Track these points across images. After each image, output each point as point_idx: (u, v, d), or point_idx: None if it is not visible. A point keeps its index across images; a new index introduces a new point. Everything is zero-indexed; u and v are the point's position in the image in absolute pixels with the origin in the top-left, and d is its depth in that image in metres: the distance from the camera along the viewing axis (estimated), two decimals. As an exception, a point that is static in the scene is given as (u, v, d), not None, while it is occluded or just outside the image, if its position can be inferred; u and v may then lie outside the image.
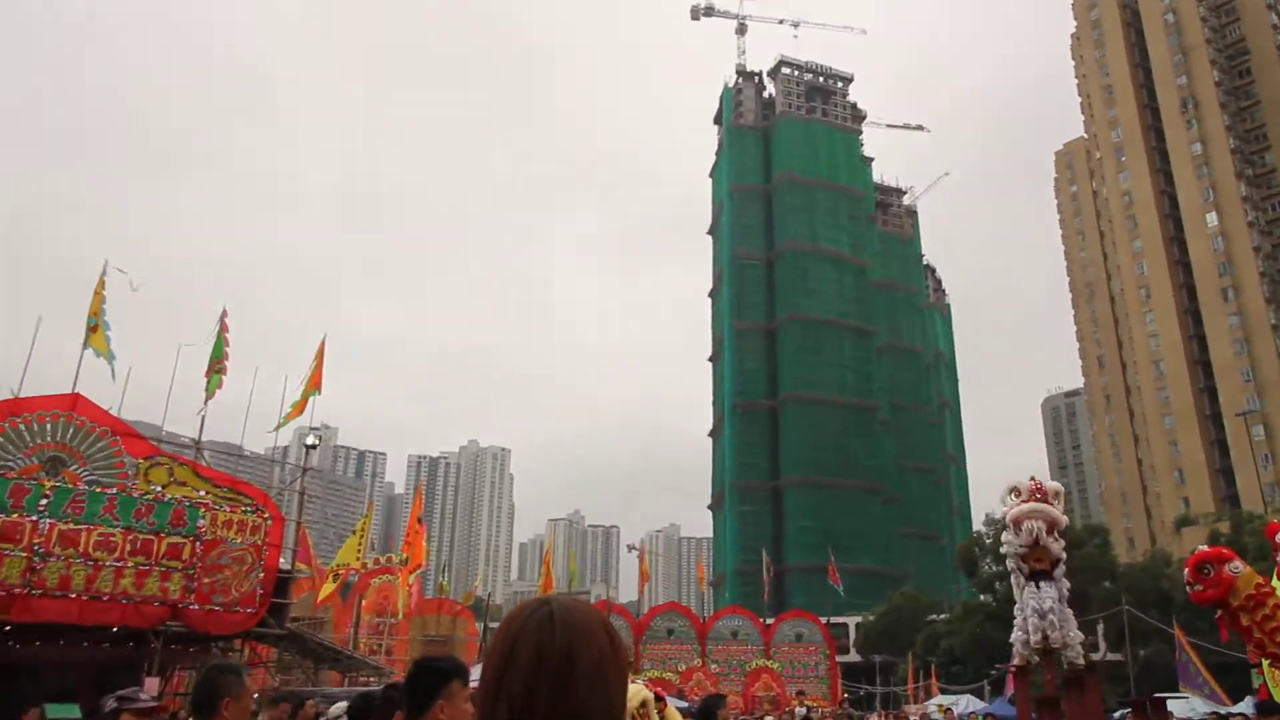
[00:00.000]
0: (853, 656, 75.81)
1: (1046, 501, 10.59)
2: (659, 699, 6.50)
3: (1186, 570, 10.47)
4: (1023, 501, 10.68)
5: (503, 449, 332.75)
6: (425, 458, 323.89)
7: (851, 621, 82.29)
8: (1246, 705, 21.43)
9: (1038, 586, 10.65)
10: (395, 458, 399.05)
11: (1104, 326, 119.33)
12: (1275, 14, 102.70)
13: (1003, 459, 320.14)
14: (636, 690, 6.16)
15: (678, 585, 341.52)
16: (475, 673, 3.18)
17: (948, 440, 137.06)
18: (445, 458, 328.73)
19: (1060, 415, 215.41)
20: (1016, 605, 10.67)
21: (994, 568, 55.55)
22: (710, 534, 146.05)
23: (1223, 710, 21.36)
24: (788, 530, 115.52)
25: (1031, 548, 10.71)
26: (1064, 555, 11.03)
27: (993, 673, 44.81)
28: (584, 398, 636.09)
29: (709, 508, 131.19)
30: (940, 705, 34.60)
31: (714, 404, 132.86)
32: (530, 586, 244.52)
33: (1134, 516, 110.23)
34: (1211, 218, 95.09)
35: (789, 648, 39.07)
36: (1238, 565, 10.17)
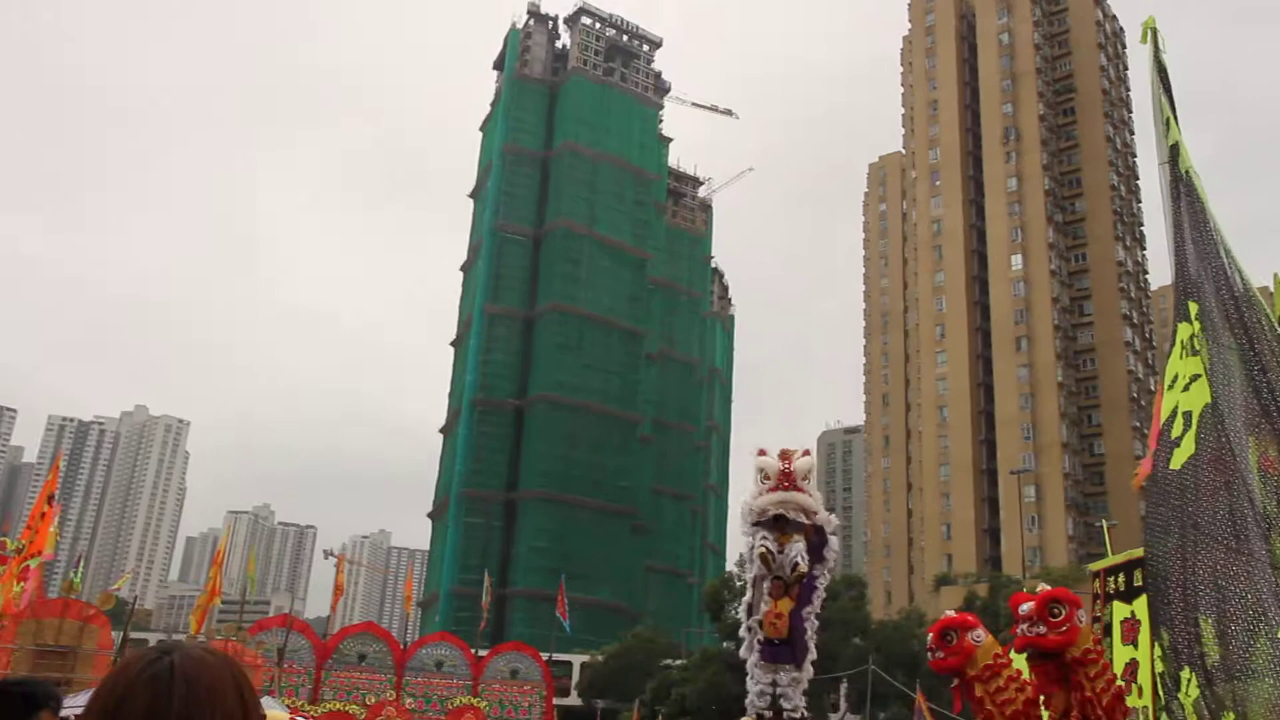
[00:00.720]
0: (573, 700, 77.26)
1: (796, 487, 10.58)
2: None
3: (930, 636, 10.98)
4: (771, 489, 10.63)
5: (179, 420, 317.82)
6: (73, 421, 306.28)
7: (577, 660, 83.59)
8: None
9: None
10: (31, 417, 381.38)
11: (894, 361, 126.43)
12: (1104, 55, 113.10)
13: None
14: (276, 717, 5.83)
15: (380, 603, 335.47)
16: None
17: (712, 467, 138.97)
18: (101, 423, 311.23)
19: (836, 452, 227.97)
20: (746, 644, 10.57)
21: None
22: (426, 546, 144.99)
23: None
24: (518, 550, 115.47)
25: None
26: (823, 580, 10.95)
27: (723, 732, 46.94)
28: (288, 373, 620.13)
29: (429, 516, 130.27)
30: (661, 763, 35.38)
31: (450, 396, 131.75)
32: (193, 589, 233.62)
33: (896, 570, 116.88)
34: (1016, 260, 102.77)
35: (501, 685, 39.06)
36: (980, 634, 10.76)
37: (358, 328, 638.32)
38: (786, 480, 10.32)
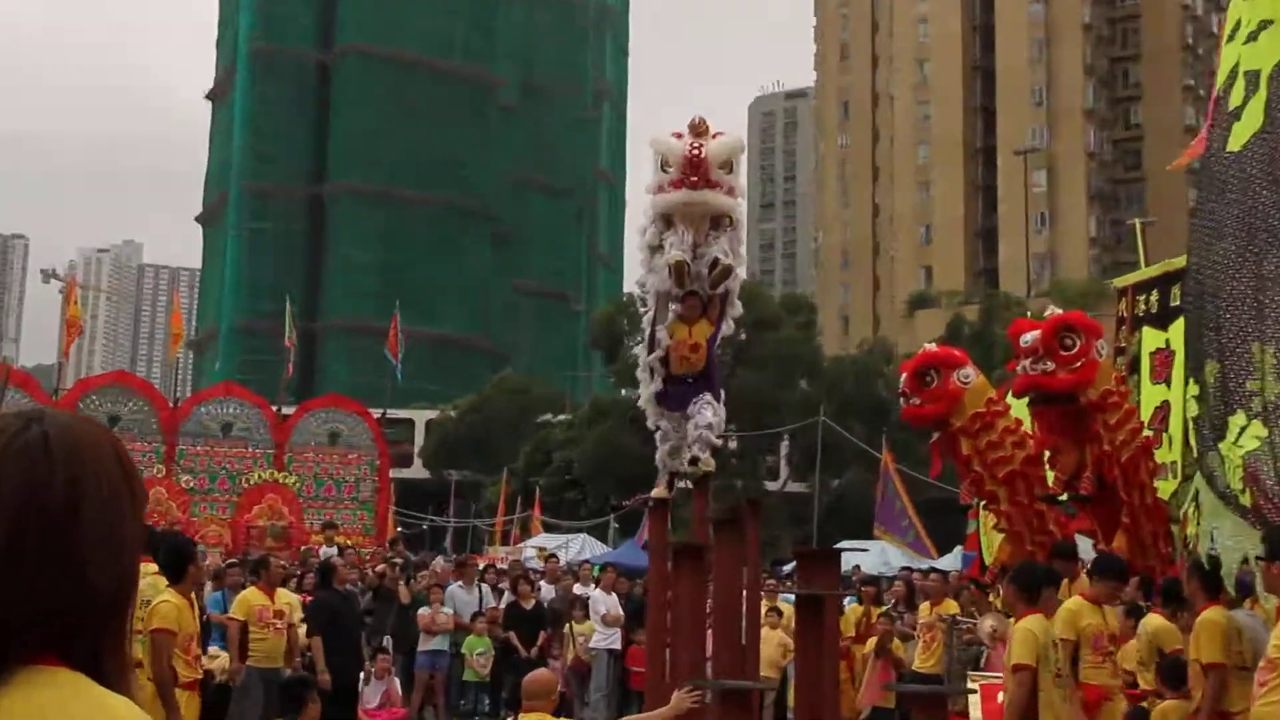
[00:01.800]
0: (417, 470, 79.83)
1: (710, 182, 10.35)
2: None
3: (904, 376, 11.87)
4: (674, 183, 10.43)
5: None
6: None
7: (422, 418, 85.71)
8: (954, 559, 24.49)
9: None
10: None
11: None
12: None
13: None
14: None
15: (133, 344, 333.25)
16: None
17: (602, 148, 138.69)
18: None
19: (775, 126, 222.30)
20: (643, 387, 11.14)
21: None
22: (197, 264, 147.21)
23: (922, 564, 24.41)
24: (330, 267, 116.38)
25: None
26: (736, 291, 11.31)
27: (622, 506, 47.56)
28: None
29: (198, 220, 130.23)
30: (540, 549, 35.90)
31: (219, 45, 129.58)
32: None
33: (856, 288, 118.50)
34: None
35: (316, 453, 39.21)
36: (968, 373, 11.58)
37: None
38: (695, 171, 10.25)
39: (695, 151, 10.18)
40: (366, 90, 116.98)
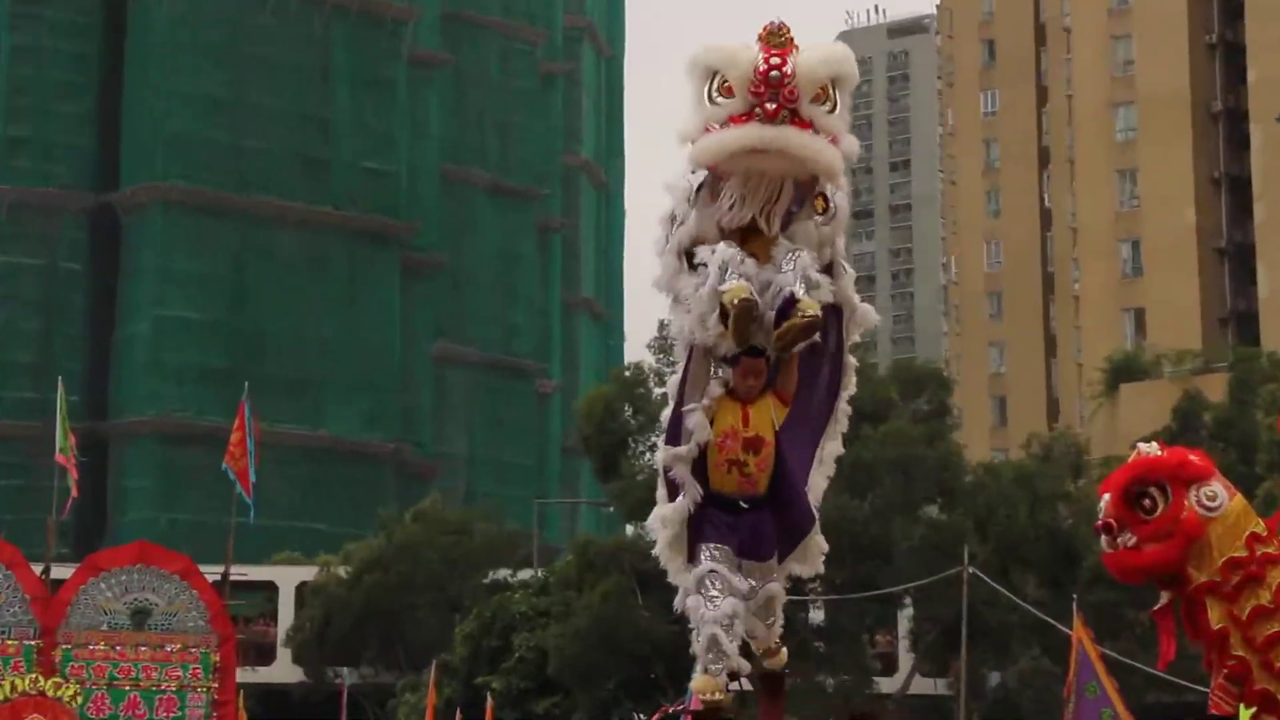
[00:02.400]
0: (284, 670, 78.42)
1: (800, 118, 8.96)
2: None
3: (1105, 499, 10.88)
4: (740, 118, 9.07)
5: None
6: None
7: (289, 580, 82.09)
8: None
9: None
10: None
11: None
12: None
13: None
14: None
15: None
16: None
17: (583, 125, 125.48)
18: None
19: (873, 77, 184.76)
20: (659, 522, 10.22)
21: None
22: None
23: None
24: (127, 323, 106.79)
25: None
26: (850, 338, 10.48)
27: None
28: None
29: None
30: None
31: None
32: None
33: (1017, 347, 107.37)
34: None
35: (110, 645, 30.61)
36: (1216, 492, 10.58)
37: None
38: (775, 97, 9.02)
39: (774, 66, 8.97)
40: (180, 35, 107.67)
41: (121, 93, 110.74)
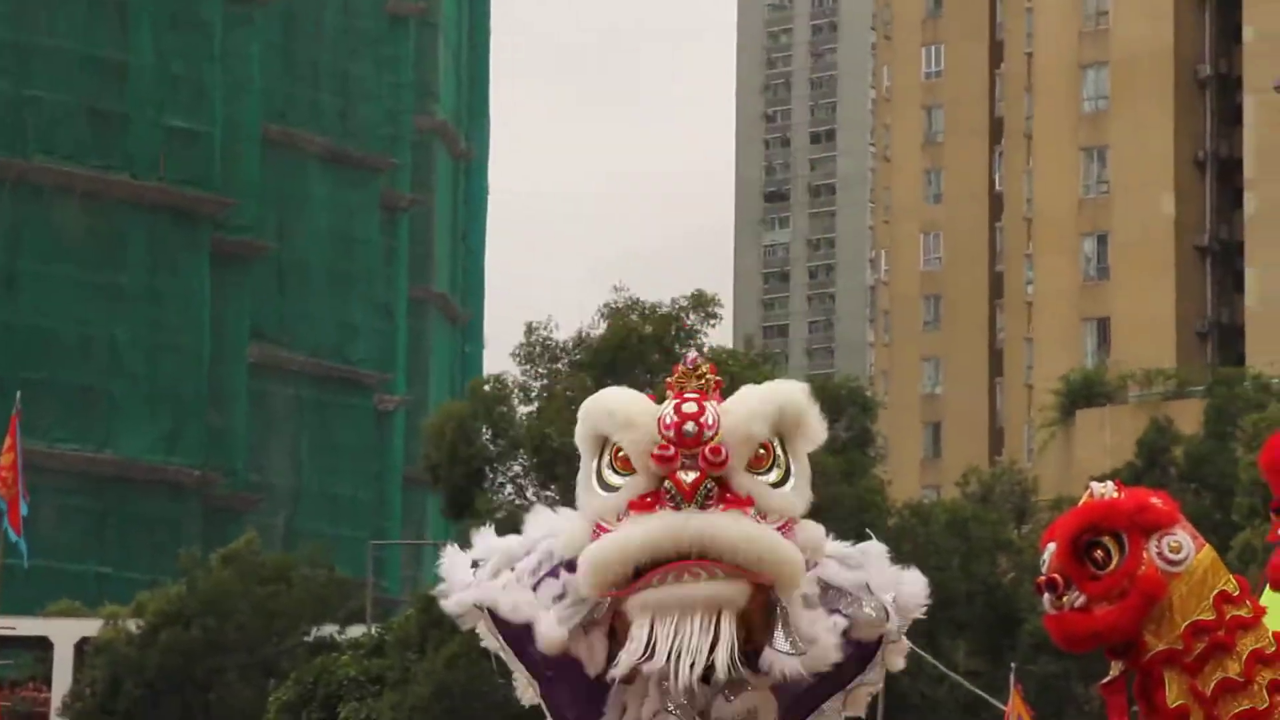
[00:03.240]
0: None
1: (728, 493, 6.05)
2: None
3: (1049, 548, 7.51)
4: (639, 502, 6.43)
5: None
6: None
7: (68, 636, 79.46)
8: None
9: None
10: None
11: None
12: None
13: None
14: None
15: None
16: None
17: (439, 76, 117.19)
18: None
19: (792, 30, 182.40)
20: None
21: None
22: None
23: None
24: None
25: None
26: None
27: None
28: None
29: None
30: None
31: None
32: None
33: (955, 361, 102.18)
34: None
35: None
36: (1181, 542, 7.42)
37: None
38: (695, 454, 5.68)
39: (688, 415, 5.68)
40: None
41: None
